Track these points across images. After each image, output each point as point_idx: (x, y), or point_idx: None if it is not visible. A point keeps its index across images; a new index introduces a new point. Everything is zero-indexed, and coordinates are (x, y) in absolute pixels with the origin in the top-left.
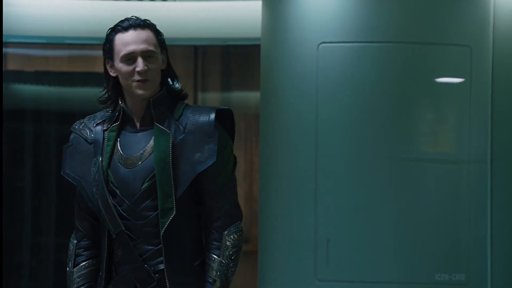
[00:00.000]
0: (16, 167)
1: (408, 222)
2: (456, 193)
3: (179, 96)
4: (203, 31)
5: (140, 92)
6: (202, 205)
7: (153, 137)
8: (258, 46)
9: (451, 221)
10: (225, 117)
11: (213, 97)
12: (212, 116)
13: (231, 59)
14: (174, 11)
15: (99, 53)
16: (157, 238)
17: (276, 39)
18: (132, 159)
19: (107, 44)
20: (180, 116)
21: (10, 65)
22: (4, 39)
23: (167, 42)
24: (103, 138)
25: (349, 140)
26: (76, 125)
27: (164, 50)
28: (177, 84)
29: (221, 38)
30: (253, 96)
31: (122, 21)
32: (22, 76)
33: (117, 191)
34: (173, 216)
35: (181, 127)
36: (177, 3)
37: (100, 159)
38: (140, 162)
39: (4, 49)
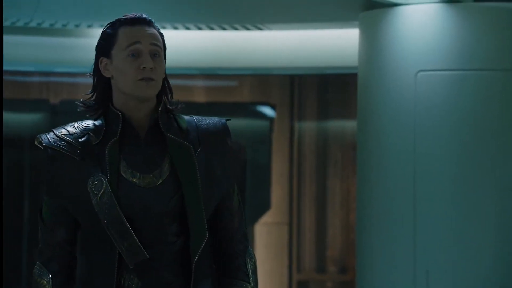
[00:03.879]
0: None
1: (510, 253)
2: None
3: (174, 109)
4: (299, 60)
5: (142, 92)
6: (218, 226)
7: (168, 151)
8: (355, 74)
9: None
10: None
11: (310, 126)
12: (226, 127)
13: (328, 88)
14: (270, 40)
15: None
16: (182, 266)
17: (373, 67)
18: (149, 178)
19: (105, 39)
20: (186, 127)
21: None
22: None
23: (263, 72)
24: (97, 154)
25: (449, 169)
26: (47, 138)
27: (164, 58)
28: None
29: (318, 67)
30: (350, 125)
31: (125, 16)
32: None
33: (133, 215)
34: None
35: (192, 139)
36: (273, 32)
37: (106, 179)
38: (160, 181)
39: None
